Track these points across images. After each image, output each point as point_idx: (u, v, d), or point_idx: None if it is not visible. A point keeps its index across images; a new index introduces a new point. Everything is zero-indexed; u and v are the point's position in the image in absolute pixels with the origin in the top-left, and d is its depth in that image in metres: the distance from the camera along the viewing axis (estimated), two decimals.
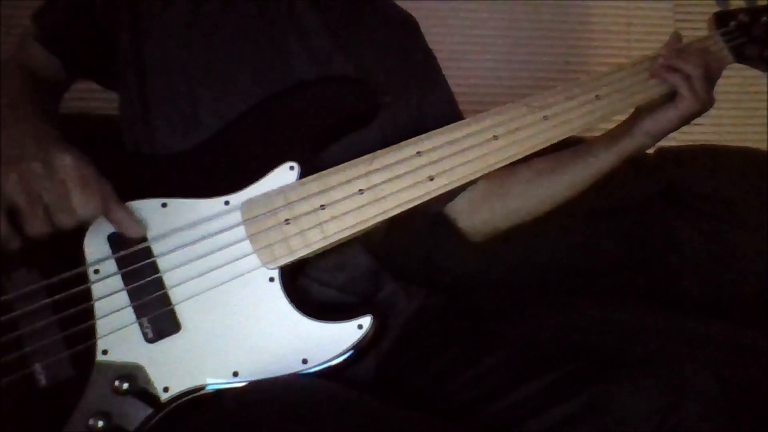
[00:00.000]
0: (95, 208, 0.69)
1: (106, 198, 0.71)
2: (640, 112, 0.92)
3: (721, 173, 1.52)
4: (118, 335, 0.72)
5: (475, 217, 1.01)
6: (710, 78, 0.89)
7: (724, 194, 1.50)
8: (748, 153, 1.58)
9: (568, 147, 0.94)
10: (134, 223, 0.73)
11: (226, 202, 0.77)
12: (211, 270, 0.74)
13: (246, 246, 0.76)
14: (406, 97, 0.98)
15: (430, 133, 0.83)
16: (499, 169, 0.85)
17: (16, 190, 0.67)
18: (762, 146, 1.64)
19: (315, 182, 0.78)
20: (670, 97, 0.90)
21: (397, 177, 0.80)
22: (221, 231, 0.76)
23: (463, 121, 0.85)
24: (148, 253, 0.74)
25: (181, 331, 0.73)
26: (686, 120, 0.90)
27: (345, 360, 0.75)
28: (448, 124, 0.84)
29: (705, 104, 0.89)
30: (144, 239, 0.74)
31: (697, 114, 0.90)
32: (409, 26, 1.05)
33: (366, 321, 0.76)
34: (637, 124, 0.92)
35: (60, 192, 0.68)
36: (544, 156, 0.95)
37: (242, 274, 0.75)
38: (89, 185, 0.69)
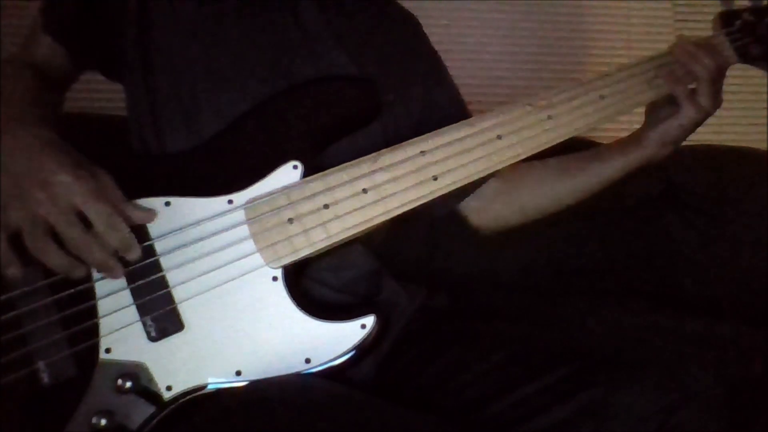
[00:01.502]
0: (109, 219, 0.70)
1: (112, 198, 0.71)
2: (649, 122, 0.92)
3: (721, 173, 1.52)
4: (121, 334, 0.72)
5: (486, 215, 1.02)
6: (717, 81, 0.89)
7: (724, 194, 1.49)
8: (748, 153, 1.58)
9: (572, 147, 0.94)
10: (145, 212, 0.74)
11: (230, 201, 0.77)
12: (215, 269, 0.74)
13: (249, 245, 0.76)
14: (409, 96, 0.98)
15: (433, 132, 0.83)
16: (510, 168, 0.85)
17: (21, 219, 0.68)
18: (762, 146, 1.64)
19: (318, 181, 0.78)
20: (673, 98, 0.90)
21: (401, 176, 0.80)
22: (224, 230, 0.76)
23: (466, 121, 0.85)
24: (151, 251, 0.74)
25: (184, 330, 0.73)
26: (692, 129, 0.90)
27: (347, 360, 0.75)
28: (453, 122, 0.84)
29: (709, 111, 0.89)
30: (144, 237, 0.74)
31: (703, 119, 0.90)
32: (411, 25, 1.05)
33: (369, 321, 0.76)
34: (645, 135, 0.92)
35: (65, 216, 0.68)
36: (555, 157, 0.95)
37: (245, 273, 0.75)
38: (97, 198, 0.69)
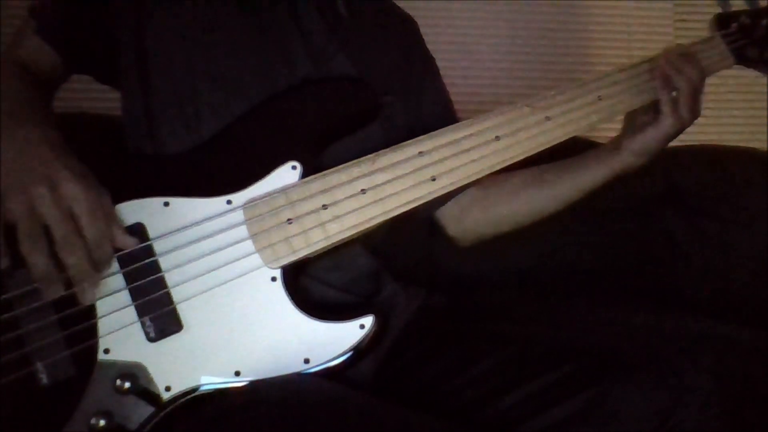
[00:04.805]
0: (100, 237, 0.70)
1: (108, 218, 0.71)
2: (627, 130, 0.93)
3: (721, 173, 1.52)
4: (119, 334, 0.72)
5: (463, 223, 1.02)
6: (698, 91, 0.89)
7: (724, 194, 1.49)
8: (748, 153, 1.58)
9: (570, 147, 0.94)
10: (129, 240, 0.73)
11: (229, 202, 0.77)
12: (213, 269, 0.74)
13: (248, 245, 0.76)
14: (406, 96, 0.98)
15: (432, 133, 0.83)
16: (488, 177, 0.85)
17: (19, 211, 0.67)
18: (762, 146, 1.64)
19: (317, 182, 0.78)
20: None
21: (400, 177, 0.80)
22: (223, 230, 0.76)
23: (465, 122, 0.85)
24: (149, 252, 0.74)
25: (182, 331, 0.73)
26: (669, 138, 0.90)
27: (346, 360, 0.75)
28: (443, 125, 0.84)
29: (686, 123, 0.89)
30: (143, 238, 0.74)
31: (680, 131, 0.90)
32: (408, 27, 1.05)
33: (368, 321, 0.76)
34: (623, 143, 0.92)
35: (64, 220, 0.68)
36: (532, 167, 0.95)
37: (244, 274, 0.75)
38: (95, 213, 0.69)
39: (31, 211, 0.67)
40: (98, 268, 0.71)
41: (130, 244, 0.73)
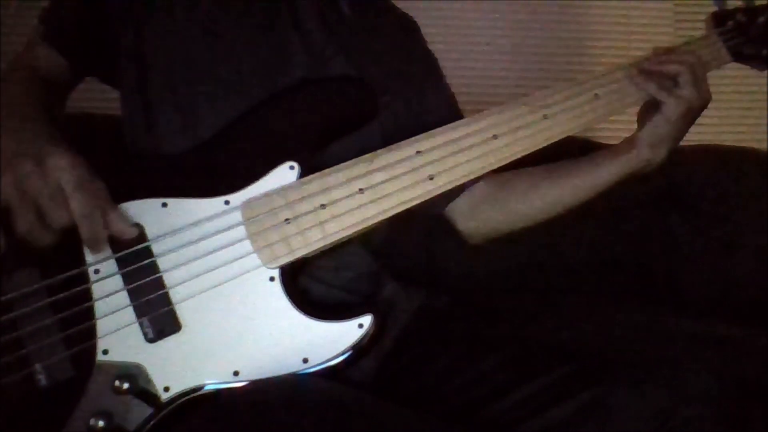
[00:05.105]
0: (88, 210, 0.69)
1: (100, 200, 0.71)
2: (640, 125, 0.92)
3: (721, 173, 1.52)
4: (118, 335, 0.72)
5: (474, 220, 1.01)
6: (699, 76, 0.88)
7: (724, 194, 1.49)
8: (748, 153, 1.58)
9: (569, 147, 0.94)
10: (127, 226, 0.73)
11: (227, 202, 0.77)
12: (212, 269, 0.74)
13: (246, 245, 0.76)
14: (406, 96, 0.98)
15: (430, 132, 0.83)
16: (499, 174, 0.85)
17: (8, 188, 0.67)
18: (762, 146, 1.64)
19: (315, 182, 0.78)
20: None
21: (398, 176, 0.80)
22: (221, 231, 0.76)
23: (463, 121, 0.85)
24: (148, 252, 0.74)
25: (181, 331, 0.73)
26: (680, 123, 0.89)
27: (345, 359, 0.75)
28: (448, 123, 0.84)
29: (692, 101, 0.87)
30: (141, 238, 0.74)
31: (688, 111, 0.88)
32: (408, 27, 1.05)
33: (366, 320, 0.76)
34: (635, 136, 0.91)
35: (52, 192, 0.68)
36: (546, 164, 0.95)
37: (243, 274, 0.75)
38: (83, 187, 0.69)
39: (19, 187, 0.67)
40: (89, 243, 0.70)
41: (127, 231, 0.73)
